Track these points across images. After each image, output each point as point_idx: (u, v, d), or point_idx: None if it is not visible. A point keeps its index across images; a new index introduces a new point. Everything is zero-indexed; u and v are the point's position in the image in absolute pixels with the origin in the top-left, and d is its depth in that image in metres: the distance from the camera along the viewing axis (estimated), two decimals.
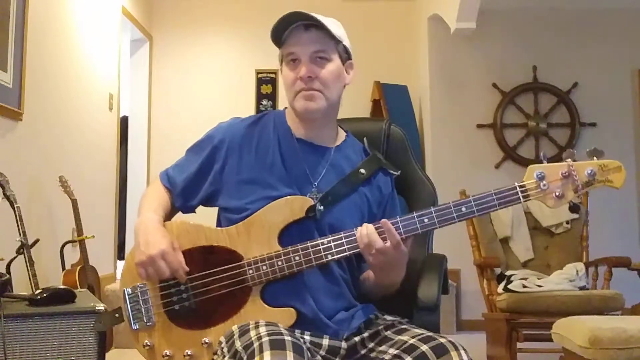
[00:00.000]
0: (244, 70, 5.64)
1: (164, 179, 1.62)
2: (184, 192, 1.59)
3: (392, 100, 5.15)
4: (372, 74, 5.33)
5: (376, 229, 1.39)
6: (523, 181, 1.40)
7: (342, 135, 1.64)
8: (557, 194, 1.38)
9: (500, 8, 5.06)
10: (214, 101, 5.61)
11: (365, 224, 1.40)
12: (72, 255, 3.71)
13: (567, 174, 1.38)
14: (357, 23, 5.48)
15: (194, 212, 1.61)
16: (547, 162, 1.42)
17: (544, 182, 1.38)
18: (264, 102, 5.65)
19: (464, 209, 1.39)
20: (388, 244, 1.36)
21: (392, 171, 1.62)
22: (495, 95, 5.18)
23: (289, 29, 1.52)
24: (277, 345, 1.21)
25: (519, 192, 1.39)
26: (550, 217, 3.83)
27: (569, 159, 1.39)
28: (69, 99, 3.96)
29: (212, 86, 5.69)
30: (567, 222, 3.81)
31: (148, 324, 1.47)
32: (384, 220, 1.39)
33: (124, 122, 5.32)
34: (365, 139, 1.66)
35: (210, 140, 1.58)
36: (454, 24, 4.46)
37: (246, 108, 5.55)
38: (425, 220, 1.40)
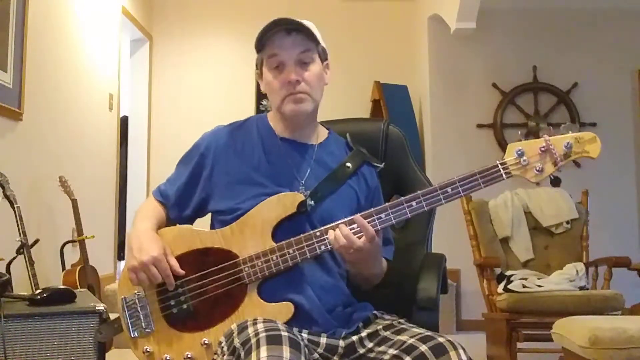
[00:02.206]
0: (243, 70, 5.62)
1: (156, 194, 1.66)
2: (178, 202, 1.62)
3: (392, 100, 5.14)
4: (372, 74, 5.33)
5: (349, 225, 1.40)
6: (504, 159, 1.43)
7: (324, 132, 1.67)
8: (538, 168, 1.41)
9: (500, 8, 5.05)
10: (214, 101, 5.61)
11: (338, 226, 1.41)
12: (72, 255, 3.71)
13: (545, 148, 1.41)
14: (357, 23, 5.49)
15: (191, 223, 1.63)
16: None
17: (524, 157, 1.41)
18: (264, 102, 5.62)
19: (449, 190, 1.42)
20: (363, 239, 1.38)
21: (376, 164, 1.65)
22: (495, 95, 5.18)
23: (270, 32, 1.52)
24: (273, 340, 1.22)
25: (501, 169, 1.42)
26: (550, 217, 3.83)
27: (546, 135, 1.42)
28: (69, 99, 3.97)
29: (212, 86, 5.69)
30: (567, 222, 3.81)
31: (147, 330, 1.48)
32: (356, 216, 1.41)
33: (124, 122, 5.32)
34: (348, 134, 1.68)
35: (197, 149, 1.62)
36: (454, 24, 4.46)
37: (246, 108, 5.55)
38: (414, 204, 1.42)
